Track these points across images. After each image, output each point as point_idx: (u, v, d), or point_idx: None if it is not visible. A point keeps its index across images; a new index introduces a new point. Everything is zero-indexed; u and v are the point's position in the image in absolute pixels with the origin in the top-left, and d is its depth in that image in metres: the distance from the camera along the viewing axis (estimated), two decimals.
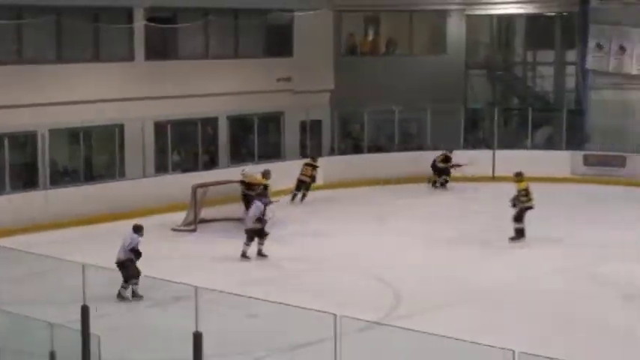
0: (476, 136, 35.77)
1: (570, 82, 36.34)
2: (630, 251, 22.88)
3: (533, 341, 14.14)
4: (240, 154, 31.69)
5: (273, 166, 28.32)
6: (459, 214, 28.04)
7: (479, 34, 37.83)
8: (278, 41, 33.67)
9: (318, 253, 23.13)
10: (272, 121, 33.32)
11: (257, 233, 22.43)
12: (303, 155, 32.19)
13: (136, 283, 18.92)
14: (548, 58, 37.63)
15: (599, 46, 34.89)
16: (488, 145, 34.00)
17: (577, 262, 22.02)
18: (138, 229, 19.37)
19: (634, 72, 34.26)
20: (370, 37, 37.58)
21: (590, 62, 35.09)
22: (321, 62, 34.47)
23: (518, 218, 24.01)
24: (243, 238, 22.46)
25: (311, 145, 33.18)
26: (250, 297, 15.46)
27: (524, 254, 23.02)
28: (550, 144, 35.46)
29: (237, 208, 26.39)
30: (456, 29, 36.63)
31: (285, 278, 20.80)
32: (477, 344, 11.30)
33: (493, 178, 32.64)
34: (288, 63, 33.50)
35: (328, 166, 31.63)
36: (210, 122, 31.67)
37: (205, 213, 26.45)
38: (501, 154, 33.37)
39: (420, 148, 34.29)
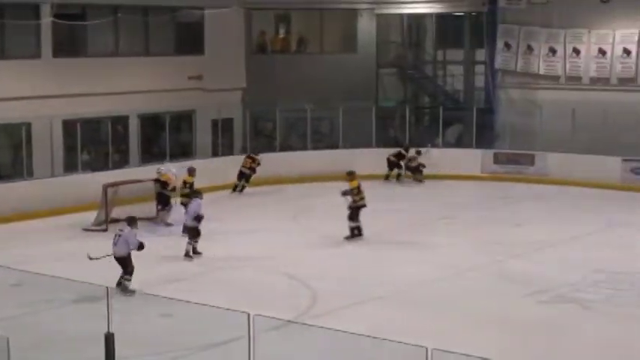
0: (387, 135, 35.86)
1: (480, 81, 36.70)
2: (539, 248, 23.17)
3: (445, 338, 14.11)
4: (151, 153, 31.40)
5: (185, 165, 28.12)
6: (372, 212, 28.00)
7: (389, 33, 38.00)
8: (189, 39, 33.57)
9: (233, 251, 22.93)
10: (183, 120, 33.15)
11: (195, 231, 22.14)
12: (215, 153, 32.00)
13: (129, 279, 19.10)
14: (458, 57, 37.97)
15: (507, 46, 35.31)
16: (400, 144, 34.07)
17: (486, 259, 22.16)
18: (133, 222, 19.60)
19: (541, 72, 34.72)
20: (281, 36, 37.53)
21: (499, 61, 35.49)
22: (233, 60, 34.44)
23: (353, 217, 23.99)
24: (160, 237, 22.20)
25: (223, 144, 32.98)
26: (164, 296, 15.34)
27: (436, 252, 23.07)
28: (461, 142, 35.74)
29: (149, 208, 26.10)
30: (366, 28, 36.75)
31: (200, 277, 20.55)
32: (391, 341, 11.28)
33: (405, 176, 32.82)
34: (199, 61, 33.37)
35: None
36: (121, 121, 31.34)
37: (117, 212, 26.04)
38: (413, 152, 33.51)
39: (332, 146, 34.21)
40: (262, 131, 35.49)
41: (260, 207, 28.62)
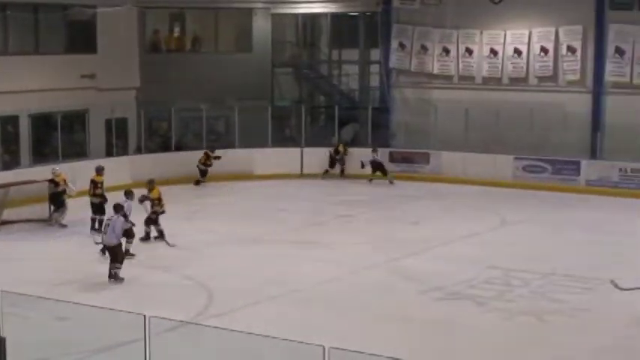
0: (283, 134, 35.91)
1: (375, 81, 36.98)
2: (435, 246, 23.39)
3: (343, 336, 14.17)
4: (43, 154, 30.89)
5: (79, 165, 28.37)
6: (268, 212, 28.05)
7: (284, 32, 38.11)
8: (81, 37, 33.25)
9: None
10: (76, 120, 32.70)
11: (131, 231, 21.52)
12: (109, 154, 31.68)
13: (120, 267, 19.57)
14: (353, 57, 38.19)
15: (401, 46, 35.61)
16: (296, 143, 34.15)
17: (383, 257, 22.29)
18: (120, 209, 20.18)
19: (435, 71, 35.09)
20: (175, 35, 37.34)
21: (393, 61, 35.78)
22: (126, 59, 34.17)
23: (151, 223, 23.50)
24: (48, 238, 21.85)
25: (117, 144, 32.66)
26: (59, 299, 15.12)
27: (333, 251, 23.15)
28: (356, 141, 35.90)
29: (41, 209, 25.73)
30: (261, 28, 36.80)
31: (97, 278, 20.23)
32: (288, 341, 11.27)
33: (301, 175, 32.88)
34: (91, 60, 33.00)
35: (135, 164, 31.19)
36: (11, 121, 30.74)
37: (7, 214, 25.65)
38: (309, 151, 33.65)
39: (229, 146, 34.10)
40: (157, 131, 35.27)
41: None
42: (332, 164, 33.78)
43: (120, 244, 20.10)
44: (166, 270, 21.11)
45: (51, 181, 25.92)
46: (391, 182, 32.85)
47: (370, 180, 32.98)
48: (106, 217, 21.40)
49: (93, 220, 24.84)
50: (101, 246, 20.68)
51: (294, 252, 22.92)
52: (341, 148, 33.86)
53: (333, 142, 34.47)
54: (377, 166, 33.17)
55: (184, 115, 34.33)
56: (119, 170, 30.39)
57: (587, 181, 31.40)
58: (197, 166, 31.99)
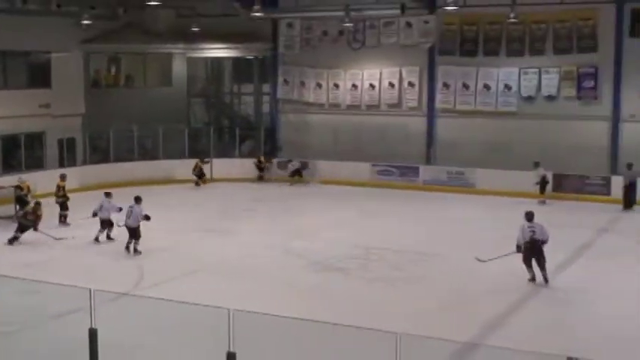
0: (198, 149, 35.55)
1: (266, 108, 36.80)
2: (314, 231, 23.50)
3: (246, 301, 14.18)
4: (11, 166, 30.04)
5: (38, 175, 27.84)
6: (187, 206, 27.81)
7: (197, 71, 37.66)
8: (39, 75, 32.40)
9: (79, 239, 22.27)
10: (36, 139, 31.85)
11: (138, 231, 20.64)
12: (62, 165, 31.00)
13: (138, 243, 20.35)
14: (249, 90, 37.94)
15: (285, 81, 35.60)
16: (207, 155, 33.92)
17: (277, 240, 22.35)
18: (139, 200, 20.77)
19: (311, 100, 35.15)
20: (112, 73, 36.66)
21: (280, 93, 35.74)
22: (74, 92, 33.64)
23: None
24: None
25: (67, 158, 32.09)
26: (20, 277, 14.82)
27: (239, 235, 23.12)
28: (253, 154, 35.78)
29: (7, 209, 25.13)
30: (179, 67, 36.40)
31: (51, 262, 19.85)
32: (198, 306, 11.26)
33: (212, 179, 32.64)
34: (47, 93, 32.28)
35: (83, 173, 30.63)
36: None
37: None
38: (217, 161, 33.46)
39: (154, 158, 33.72)
40: (99, 147, 34.56)
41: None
42: (261, 171, 33.57)
43: (139, 226, 20.38)
44: (107, 253, 20.80)
45: (17, 187, 25.34)
46: (307, 183, 32.82)
47: (291, 184, 32.82)
48: (120, 207, 21.61)
49: (60, 216, 24.55)
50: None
51: (208, 238, 22.77)
52: (262, 159, 33.65)
53: (257, 154, 34.36)
54: (295, 172, 33.12)
55: (120, 135, 33.74)
56: (69, 178, 29.47)
57: (424, 181, 31.76)
58: (192, 173, 32.13)
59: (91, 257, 20.46)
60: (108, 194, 22.58)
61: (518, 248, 17.61)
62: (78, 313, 12.43)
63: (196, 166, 32.41)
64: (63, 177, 25.31)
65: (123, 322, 13.56)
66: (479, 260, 18.62)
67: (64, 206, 24.76)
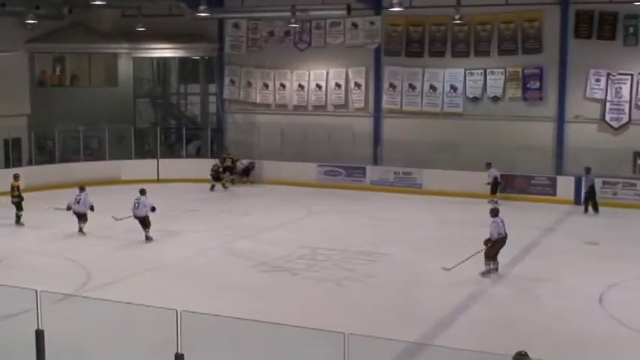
0: (143, 149, 35.29)
1: (212, 108, 36.66)
2: (260, 231, 23.45)
3: (192, 302, 14.11)
4: None
5: None
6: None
7: (143, 71, 37.39)
8: None
9: (23, 242, 22.00)
10: None
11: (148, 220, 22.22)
12: (7, 166, 30.51)
13: (149, 231, 21.96)
14: (196, 90, 37.76)
15: (232, 82, 35.53)
16: (153, 155, 33.66)
17: (221, 240, 22.30)
18: (144, 192, 22.37)
19: (258, 101, 35.13)
20: (58, 73, 36.16)
21: (226, 93, 35.66)
22: (20, 92, 33.04)
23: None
24: None
25: (13, 157, 31.55)
26: None
27: (183, 237, 22.95)
28: (199, 153, 35.66)
29: None
30: (125, 68, 36.07)
31: None
32: (149, 307, 11.18)
33: (158, 180, 32.35)
34: None
35: (28, 173, 30.02)
36: None
37: None
38: (163, 162, 33.24)
39: (101, 158, 33.37)
40: (44, 147, 34.08)
41: (45, 208, 27.22)
42: (224, 171, 32.70)
43: (148, 216, 21.93)
44: (54, 255, 20.50)
45: None
46: (253, 184, 32.86)
47: (234, 184, 32.80)
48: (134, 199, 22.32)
49: (17, 216, 24.37)
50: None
51: (154, 238, 22.55)
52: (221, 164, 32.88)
53: (220, 156, 33.68)
54: (244, 171, 33.16)
55: (66, 135, 33.38)
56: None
57: (371, 181, 31.91)
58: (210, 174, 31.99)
59: (37, 258, 20.14)
60: (82, 188, 23.34)
61: (488, 242, 18.12)
62: (23, 314, 12.24)
63: (223, 161, 32.51)
64: (16, 177, 24.92)
65: (70, 324, 13.39)
66: (445, 269, 18.02)
67: (19, 206, 24.40)
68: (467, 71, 31.06)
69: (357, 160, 32.32)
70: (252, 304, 15.97)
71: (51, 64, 35.90)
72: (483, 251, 18.18)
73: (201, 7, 29.21)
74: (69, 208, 23.00)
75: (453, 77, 31.33)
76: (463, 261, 17.86)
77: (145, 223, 22.01)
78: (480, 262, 18.16)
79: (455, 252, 18.93)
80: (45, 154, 33.50)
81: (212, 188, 31.61)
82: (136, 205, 22.05)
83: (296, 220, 25.62)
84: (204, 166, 33.13)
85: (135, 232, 22.94)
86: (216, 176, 32.10)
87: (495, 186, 28.48)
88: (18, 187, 24.62)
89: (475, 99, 31.10)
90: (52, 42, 33.94)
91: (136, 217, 22.05)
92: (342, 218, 26.02)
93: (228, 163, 32.99)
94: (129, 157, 33.22)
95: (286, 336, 11.43)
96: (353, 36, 32.90)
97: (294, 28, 32.83)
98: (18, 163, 31.82)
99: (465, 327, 14.94)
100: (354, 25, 32.75)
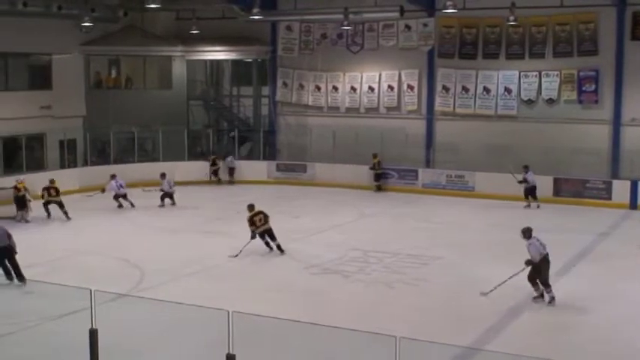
0: (196, 151, 35.62)
1: (265, 110, 36.83)
2: (311, 234, 23.47)
3: (243, 302, 14.17)
4: (11, 167, 30.14)
5: (38, 176, 27.71)
6: (185, 209, 27.77)
7: (196, 74, 37.67)
8: (40, 77, 32.55)
9: (79, 242, 22.24)
10: (37, 141, 31.95)
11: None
12: (62, 167, 31.03)
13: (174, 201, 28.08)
14: (249, 92, 37.95)
15: (284, 84, 35.65)
16: (206, 157, 33.93)
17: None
18: (164, 175, 28.19)
19: (310, 103, 35.20)
20: (113, 75, 36.63)
21: (279, 95, 35.79)
22: (75, 94, 33.69)
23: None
24: (23, 232, 21.62)
25: (68, 159, 32.15)
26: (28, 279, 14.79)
27: (233, 238, 22.90)
28: (251, 155, 35.86)
29: (10, 209, 25.25)
30: (179, 70, 36.34)
31: (54, 263, 19.78)
32: (202, 307, 11.24)
33: (210, 182, 32.58)
34: (48, 94, 32.35)
35: (83, 174, 30.66)
36: None
37: None
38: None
39: (154, 159, 33.80)
40: (99, 149, 34.63)
41: (102, 208, 27.64)
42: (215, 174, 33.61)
43: (173, 191, 28.04)
44: (108, 255, 20.76)
45: (14, 187, 25.43)
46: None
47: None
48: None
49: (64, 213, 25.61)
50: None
51: (205, 239, 22.77)
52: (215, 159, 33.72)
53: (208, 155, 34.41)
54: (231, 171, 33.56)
55: (120, 136, 33.84)
56: (70, 179, 30.01)
57: (423, 184, 31.76)
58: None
59: (91, 258, 20.42)
60: (114, 176, 27.85)
61: (529, 262, 16.34)
62: (78, 313, 12.42)
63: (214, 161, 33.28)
64: (53, 181, 26.15)
65: (123, 323, 13.55)
66: (483, 294, 16.91)
67: (61, 204, 25.62)
68: (521, 73, 30.75)
69: (410, 163, 32.19)
70: (303, 305, 16.01)
71: (106, 66, 36.39)
72: (526, 273, 16.47)
73: (255, 10, 29.38)
74: (162, 191, 27.97)
75: (507, 79, 31.05)
76: (501, 284, 16.65)
77: (171, 197, 27.91)
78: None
79: (505, 258, 18.64)
80: (100, 156, 33.98)
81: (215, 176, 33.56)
82: (164, 184, 28.00)
83: (348, 222, 25.59)
84: (257, 167, 33.38)
85: (189, 233, 23.25)
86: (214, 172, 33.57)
87: (532, 190, 27.87)
88: (57, 189, 25.85)
89: (530, 101, 30.77)
90: (107, 44, 34.44)
91: (164, 191, 27.90)
92: (393, 221, 25.94)
93: (218, 164, 33.62)
94: (182, 159, 33.52)
95: (337, 338, 11.43)
96: (406, 38, 32.80)
97: (347, 30, 32.84)
98: (73, 164, 32.36)
99: (516, 333, 14.76)
100: (407, 27, 32.64)
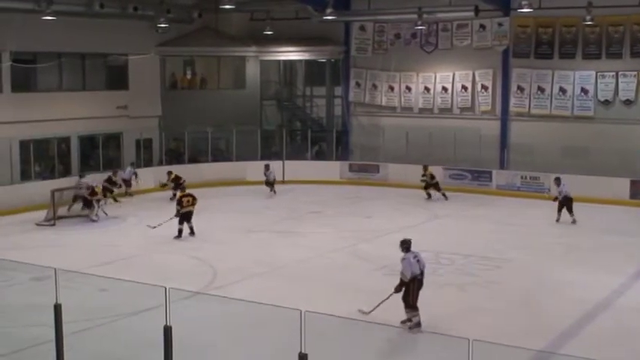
0: (269, 151, 35.88)
1: (338, 110, 36.89)
2: (383, 234, 23.33)
3: (314, 302, 14.21)
4: (88, 166, 30.86)
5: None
6: (257, 209, 27.96)
7: (270, 74, 37.95)
8: (117, 78, 33.12)
9: (152, 240, 22.63)
10: (113, 140, 32.67)
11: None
12: (138, 166, 31.54)
13: None
14: (321, 93, 38.09)
15: (357, 84, 35.66)
16: (279, 157, 34.16)
17: (344, 243, 22.32)
18: (268, 167, 30.02)
19: (383, 103, 35.14)
20: (188, 76, 37.14)
21: (352, 96, 35.81)
22: (151, 94, 34.17)
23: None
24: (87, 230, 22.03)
25: (144, 158, 32.74)
26: (100, 275, 15.11)
27: (305, 238, 23.16)
28: (324, 156, 35.96)
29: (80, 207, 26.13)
30: (252, 70, 36.64)
31: (128, 260, 20.20)
32: (275, 306, 11.30)
33: (283, 182, 32.79)
34: (125, 94, 32.94)
35: (158, 173, 31.12)
36: (64, 141, 30.78)
37: (61, 211, 25.65)
38: (289, 163, 33.65)
39: (228, 159, 34.20)
40: (174, 148, 35.17)
41: (167, 207, 27.95)
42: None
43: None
44: (181, 253, 21.09)
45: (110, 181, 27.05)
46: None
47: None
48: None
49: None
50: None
51: (276, 239, 22.94)
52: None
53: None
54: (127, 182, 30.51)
55: (195, 136, 34.27)
56: (146, 177, 30.67)
57: (497, 186, 31.46)
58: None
59: (165, 256, 20.78)
60: (267, 165, 30.79)
61: (400, 287, 14.83)
62: (152, 310, 12.64)
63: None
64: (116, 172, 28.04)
65: (196, 321, 13.75)
66: (364, 313, 14.91)
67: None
68: (598, 73, 30.19)
69: (483, 164, 31.90)
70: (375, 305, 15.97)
71: (181, 66, 36.93)
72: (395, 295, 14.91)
73: (328, 11, 29.47)
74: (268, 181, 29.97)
75: (584, 80, 30.51)
76: (382, 302, 15.00)
77: (273, 186, 29.96)
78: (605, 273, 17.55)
79: (579, 260, 18.39)
80: (174, 155, 34.50)
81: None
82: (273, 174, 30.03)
83: (420, 223, 25.47)
84: (329, 168, 33.48)
85: (260, 234, 23.45)
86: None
87: (568, 203, 25.29)
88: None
89: (607, 102, 30.19)
90: (182, 45, 34.93)
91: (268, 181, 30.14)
92: (466, 222, 25.73)
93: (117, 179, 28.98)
94: (255, 159, 33.80)
95: (409, 340, 11.41)
96: (480, 38, 32.51)
97: (421, 30, 32.70)
98: (149, 163, 32.92)
99: (590, 337, 14.52)
100: (482, 26, 32.35)
